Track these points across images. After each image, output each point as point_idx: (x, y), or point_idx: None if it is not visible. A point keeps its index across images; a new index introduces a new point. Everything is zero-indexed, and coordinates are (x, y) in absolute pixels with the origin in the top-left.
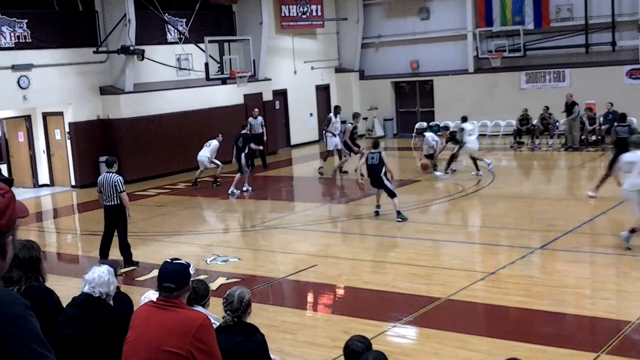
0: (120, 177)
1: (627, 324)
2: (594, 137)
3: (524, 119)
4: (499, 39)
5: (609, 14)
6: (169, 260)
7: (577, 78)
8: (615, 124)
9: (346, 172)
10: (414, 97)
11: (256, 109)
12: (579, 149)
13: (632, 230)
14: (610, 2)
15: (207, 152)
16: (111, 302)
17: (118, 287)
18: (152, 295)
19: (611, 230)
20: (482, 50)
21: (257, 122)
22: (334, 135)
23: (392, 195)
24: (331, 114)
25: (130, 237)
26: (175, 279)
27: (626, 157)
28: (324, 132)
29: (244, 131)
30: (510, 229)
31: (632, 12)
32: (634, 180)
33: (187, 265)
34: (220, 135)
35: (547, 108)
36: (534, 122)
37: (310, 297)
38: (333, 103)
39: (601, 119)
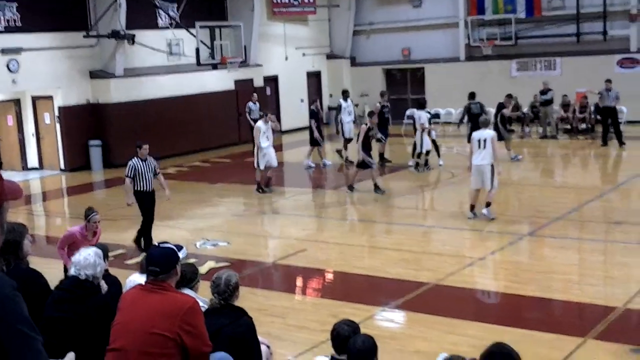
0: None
1: (612, 310)
2: (584, 125)
3: (515, 107)
4: (490, 28)
5: (600, 3)
6: (157, 244)
7: (568, 67)
8: (468, 101)
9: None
10: (405, 85)
11: (255, 94)
12: (556, 136)
13: (488, 204)
14: None
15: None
16: (103, 285)
17: (106, 270)
18: (138, 278)
19: (599, 217)
20: (474, 38)
21: (256, 107)
22: (346, 122)
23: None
24: (340, 99)
25: (121, 221)
26: (160, 262)
27: (476, 134)
28: (337, 119)
29: (312, 107)
30: (499, 215)
31: (624, 2)
32: (484, 155)
33: (173, 249)
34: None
35: (536, 96)
36: (525, 110)
37: (299, 281)
38: (324, 89)
39: (592, 107)
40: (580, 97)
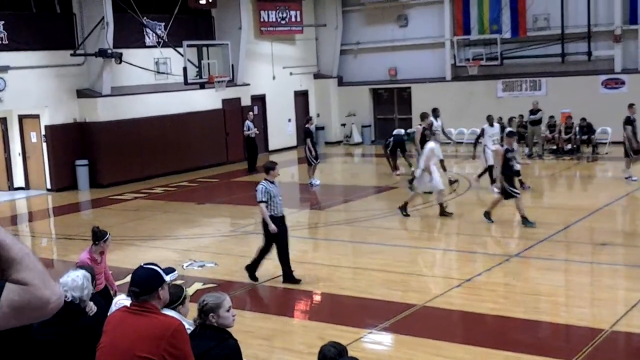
0: None
1: (600, 332)
2: (569, 146)
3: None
4: (476, 48)
5: (584, 24)
6: (142, 265)
7: (553, 87)
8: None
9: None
10: (391, 104)
11: (251, 113)
12: (542, 156)
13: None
14: (586, 12)
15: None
16: (92, 307)
17: (94, 293)
18: (125, 300)
19: (585, 238)
20: (460, 58)
21: (252, 125)
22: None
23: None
24: (431, 118)
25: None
26: (140, 283)
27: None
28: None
29: (307, 125)
30: (486, 236)
31: (608, 23)
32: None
33: (156, 271)
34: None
35: (522, 116)
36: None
37: (286, 303)
38: (312, 109)
39: (577, 128)
40: (566, 118)
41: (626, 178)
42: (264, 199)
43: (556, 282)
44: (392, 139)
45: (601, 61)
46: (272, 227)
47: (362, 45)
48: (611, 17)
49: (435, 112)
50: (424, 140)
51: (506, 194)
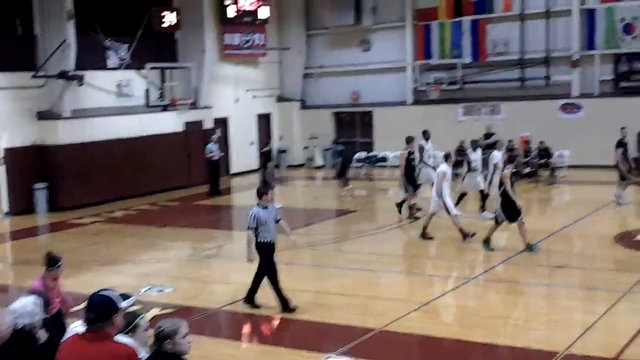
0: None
1: (555, 355)
2: (527, 169)
3: (460, 151)
4: (437, 72)
5: (543, 49)
6: (98, 291)
7: (512, 111)
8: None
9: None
10: (353, 128)
11: (214, 135)
12: None
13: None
14: (544, 37)
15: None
16: (42, 334)
17: (45, 319)
18: (80, 327)
19: (542, 261)
20: (421, 82)
21: (216, 147)
22: (428, 165)
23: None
24: (422, 141)
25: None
26: (96, 309)
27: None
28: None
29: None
30: (444, 260)
31: (566, 48)
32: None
33: (111, 298)
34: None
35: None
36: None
37: (246, 328)
38: (274, 132)
39: (536, 151)
40: (524, 142)
41: (617, 199)
42: (252, 226)
43: (513, 304)
44: (340, 159)
45: (559, 86)
46: (249, 257)
47: (325, 68)
48: (568, 42)
49: (426, 135)
50: (409, 165)
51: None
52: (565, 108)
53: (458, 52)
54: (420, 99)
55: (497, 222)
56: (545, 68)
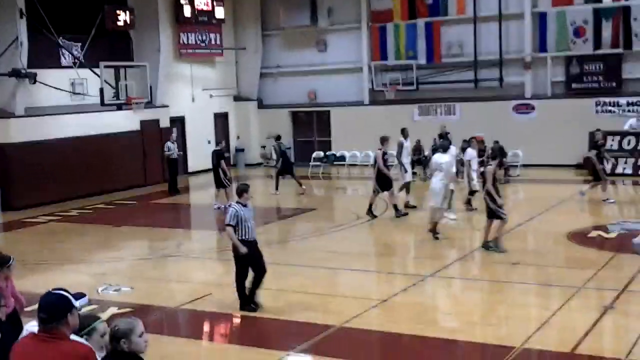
0: None
1: (511, 350)
2: (482, 169)
3: (417, 150)
4: (393, 73)
5: (496, 51)
6: (50, 290)
7: (466, 112)
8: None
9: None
10: (311, 127)
11: (173, 134)
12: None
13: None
14: (498, 40)
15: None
16: None
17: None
18: (34, 327)
19: (498, 258)
20: (377, 83)
21: (174, 147)
22: (404, 164)
23: None
24: (401, 138)
25: (21, 266)
26: (48, 309)
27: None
28: (398, 161)
29: (217, 147)
30: (402, 257)
31: (519, 50)
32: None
33: (65, 297)
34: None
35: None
36: (426, 153)
37: (205, 327)
38: (231, 131)
39: (490, 151)
40: (478, 141)
41: (603, 200)
42: (231, 223)
43: (471, 300)
44: (281, 159)
45: (512, 87)
46: (243, 249)
47: (282, 68)
48: (521, 44)
49: (404, 132)
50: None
51: (494, 215)
52: (518, 109)
53: (413, 53)
54: (376, 99)
55: (500, 219)
56: (499, 70)
